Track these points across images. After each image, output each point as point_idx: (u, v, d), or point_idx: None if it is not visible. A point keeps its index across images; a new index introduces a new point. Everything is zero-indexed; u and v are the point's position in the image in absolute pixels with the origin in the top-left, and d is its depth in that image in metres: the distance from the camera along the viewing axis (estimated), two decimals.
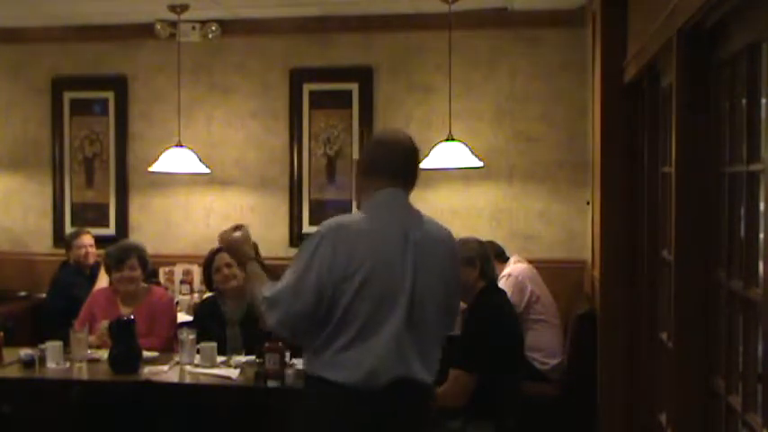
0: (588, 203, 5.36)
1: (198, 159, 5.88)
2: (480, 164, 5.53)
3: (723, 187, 2.56)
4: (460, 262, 3.15)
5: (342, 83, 6.17)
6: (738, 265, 2.40)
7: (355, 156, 6.10)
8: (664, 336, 3.30)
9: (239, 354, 4.18)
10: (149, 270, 4.82)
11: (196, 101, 6.30)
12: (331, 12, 6.02)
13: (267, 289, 2.63)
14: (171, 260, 6.19)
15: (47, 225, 6.58)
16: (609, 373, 4.16)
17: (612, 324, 4.13)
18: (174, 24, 6.06)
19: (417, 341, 2.61)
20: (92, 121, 6.53)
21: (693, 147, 2.67)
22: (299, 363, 3.93)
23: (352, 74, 6.14)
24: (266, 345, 3.72)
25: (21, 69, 6.62)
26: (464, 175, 5.78)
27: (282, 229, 6.25)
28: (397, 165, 2.70)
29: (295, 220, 6.24)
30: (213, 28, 6.18)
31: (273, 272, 2.84)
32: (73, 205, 6.55)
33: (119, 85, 6.44)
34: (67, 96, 6.52)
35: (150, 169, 5.89)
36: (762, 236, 2.21)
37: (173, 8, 5.74)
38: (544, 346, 4.94)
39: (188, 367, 4.03)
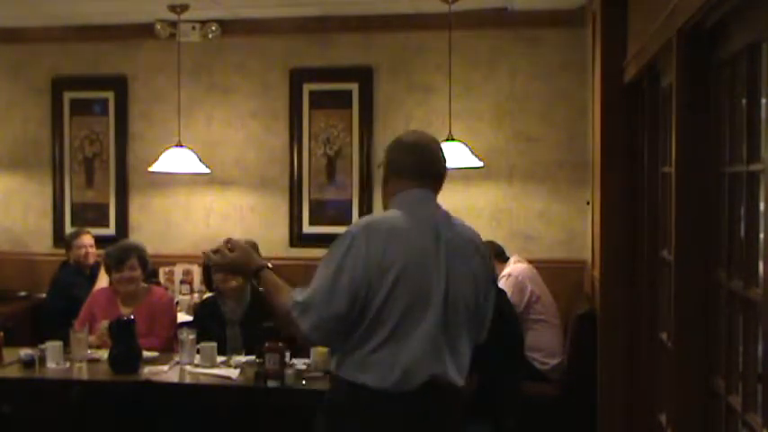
0: (588, 203, 5.36)
1: (198, 159, 5.87)
2: (480, 164, 5.53)
3: (723, 187, 2.56)
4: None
5: (342, 83, 6.17)
6: (738, 265, 2.40)
7: (355, 156, 6.11)
8: (664, 336, 3.30)
9: (239, 354, 4.19)
10: (149, 270, 4.82)
11: (196, 101, 6.30)
12: (331, 12, 6.02)
13: (298, 293, 2.52)
14: (171, 260, 6.19)
15: (47, 225, 6.58)
16: (609, 373, 4.16)
17: (612, 324, 4.13)
18: (174, 24, 6.06)
19: (450, 342, 2.55)
20: (92, 121, 6.53)
21: (693, 147, 2.67)
22: (299, 363, 3.95)
23: (352, 74, 6.13)
24: (266, 345, 3.72)
25: (21, 69, 6.62)
26: (464, 175, 5.77)
27: (282, 229, 6.25)
28: (425, 165, 2.66)
29: (295, 220, 6.24)
30: (213, 28, 6.18)
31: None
32: (73, 205, 6.55)
33: (119, 85, 6.44)
34: (67, 96, 6.51)
35: (150, 169, 5.89)
36: (762, 236, 2.21)
37: (173, 8, 5.74)
38: (544, 346, 4.94)
39: (188, 367, 4.03)
